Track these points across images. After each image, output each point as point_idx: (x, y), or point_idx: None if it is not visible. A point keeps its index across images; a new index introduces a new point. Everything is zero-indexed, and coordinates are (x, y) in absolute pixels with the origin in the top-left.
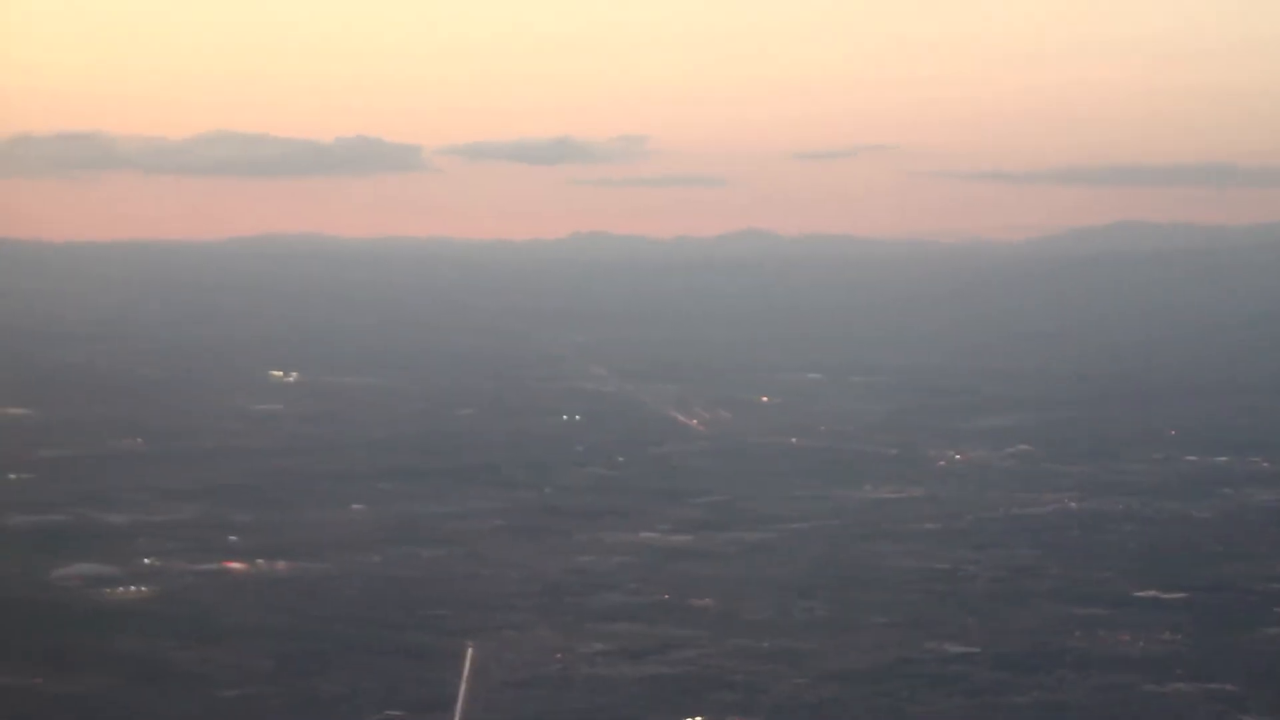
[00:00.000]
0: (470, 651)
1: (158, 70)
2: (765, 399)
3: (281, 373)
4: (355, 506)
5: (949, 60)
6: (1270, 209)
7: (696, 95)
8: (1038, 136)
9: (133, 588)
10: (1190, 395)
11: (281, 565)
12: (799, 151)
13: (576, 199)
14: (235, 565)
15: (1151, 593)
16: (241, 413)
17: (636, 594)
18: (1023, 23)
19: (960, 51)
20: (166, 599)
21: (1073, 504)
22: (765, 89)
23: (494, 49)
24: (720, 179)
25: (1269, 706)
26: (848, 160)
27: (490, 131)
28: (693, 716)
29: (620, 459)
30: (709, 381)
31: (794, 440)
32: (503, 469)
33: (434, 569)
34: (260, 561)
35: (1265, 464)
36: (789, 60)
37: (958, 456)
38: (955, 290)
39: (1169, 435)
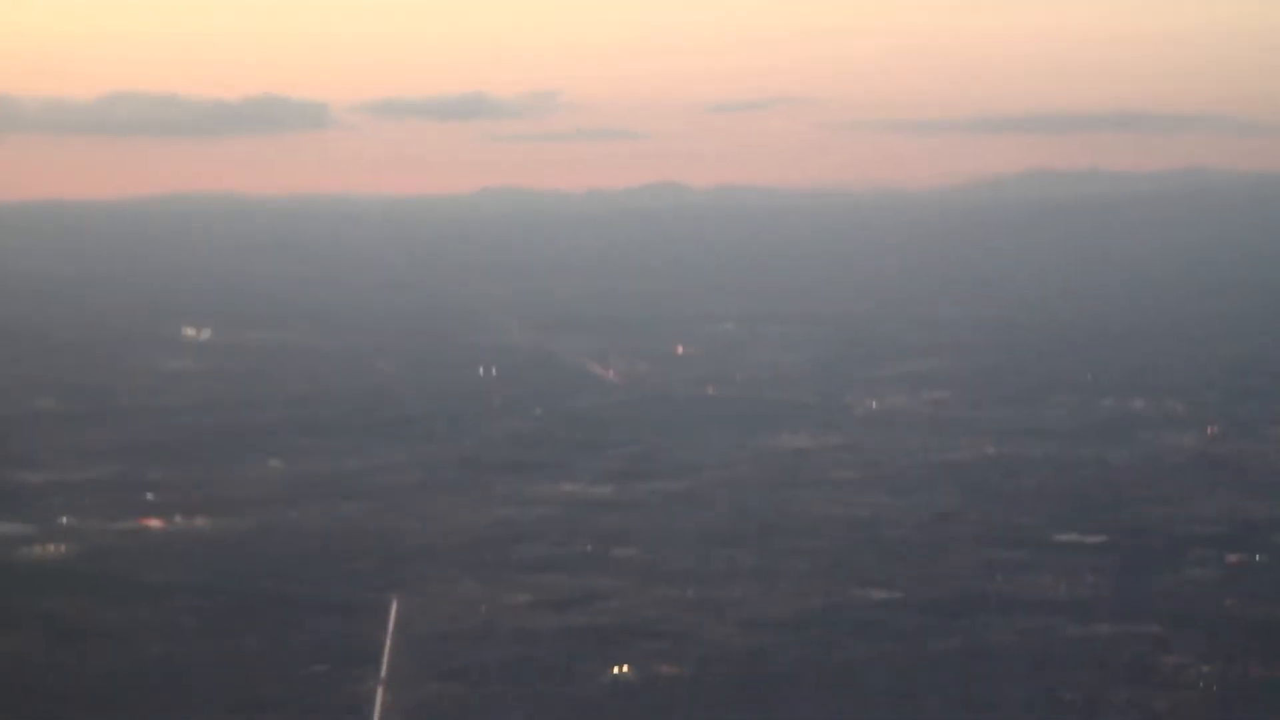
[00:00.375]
0: (395, 605)
1: (61, 31)
2: (681, 350)
3: (194, 330)
4: (273, 463)
5: (860, 10)
6: (1179, 155)
7: (608, 49)
8: (948, 86)
9: (51, 546)
10: (1105, 340)
11: (200, 522)
12: (711, 104)
13: (489, 154)
14: (154, 523)
15: (1072, 536)
16: (156, 370)
17: (559, 545)
18: None
19: (870, 1)
20: (86, 557)
21: (991, 449)
22: (676, 42)
23: (403, 4)
24: (632, 132)
25: (1191, 647)
26: (760, 112)
27: (401, 88)
28: (620, 666)
29: (538, 411)
30: (624, 333)
31: (711, 390)
32: (421, 423)
33: (355, 524)
34: (179, 519)
35: (1181, 408)
36: (700, 12)
37: (875, 404)
38: (868, 240)
39: (1085, 380)
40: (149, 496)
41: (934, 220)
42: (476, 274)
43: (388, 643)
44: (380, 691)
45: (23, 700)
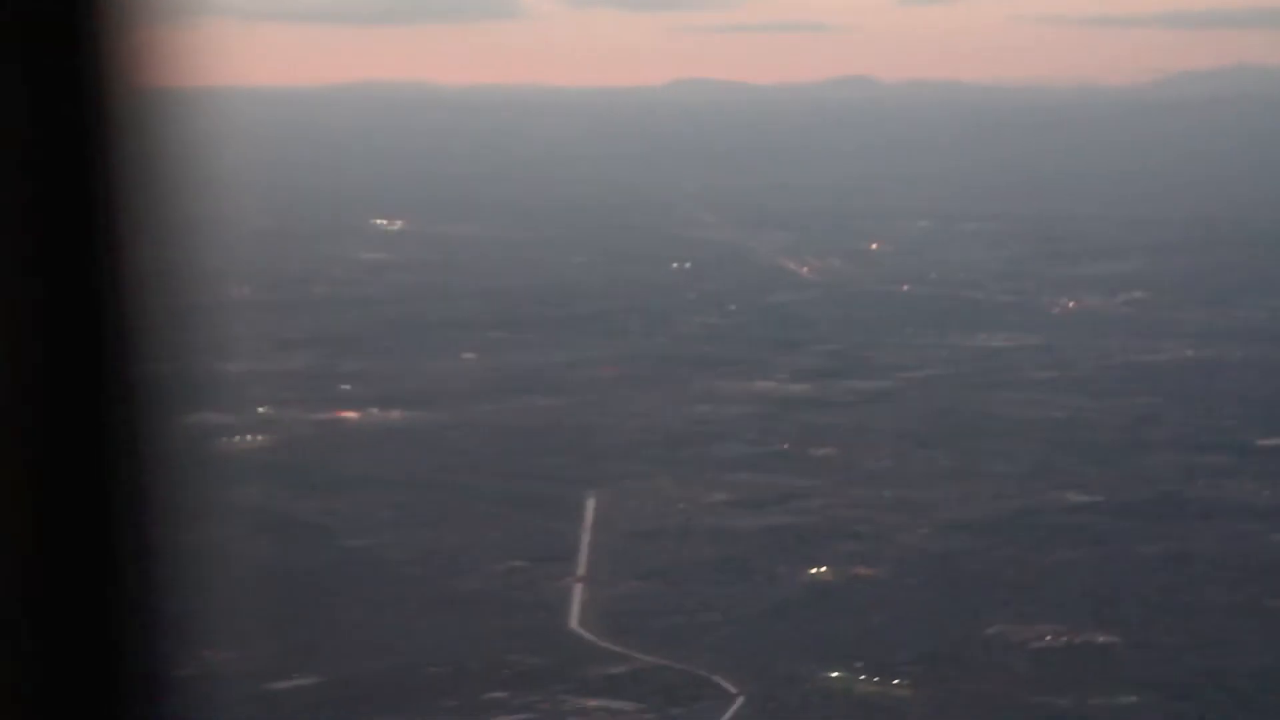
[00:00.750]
0: (591, 502)
1: None
2: (875, 246)
3: (386, 221)
4: (467, 355)
5: None
6: None
7: None
8: None
9: (249, 437)
10: None
11: (396, 414)
12: None
13: (677, 46)
14: (349, 414)
15: (1276, 441)
16: (349, 261)
17: (756, 444)
18: None
19: None
20: (283, 448)
21: (1190, 351)
22: None
23: None
24: (821, 25)
25: None
26: (952, 6)
27: None
28: (817, 566)
29: (733, 307)
30: (818, 228)
31: (906, 288)
32: (615, 318)
33: (550, 418)
34: (374, 410)
35: None
36: None
37: (1072, 304)
38: (1064, 135)
39: None
40: (344, 388)
41: (1133, 116)
42: (667, 166)
43: (585, 540)
44: (579, 588)
45: (221, 591)
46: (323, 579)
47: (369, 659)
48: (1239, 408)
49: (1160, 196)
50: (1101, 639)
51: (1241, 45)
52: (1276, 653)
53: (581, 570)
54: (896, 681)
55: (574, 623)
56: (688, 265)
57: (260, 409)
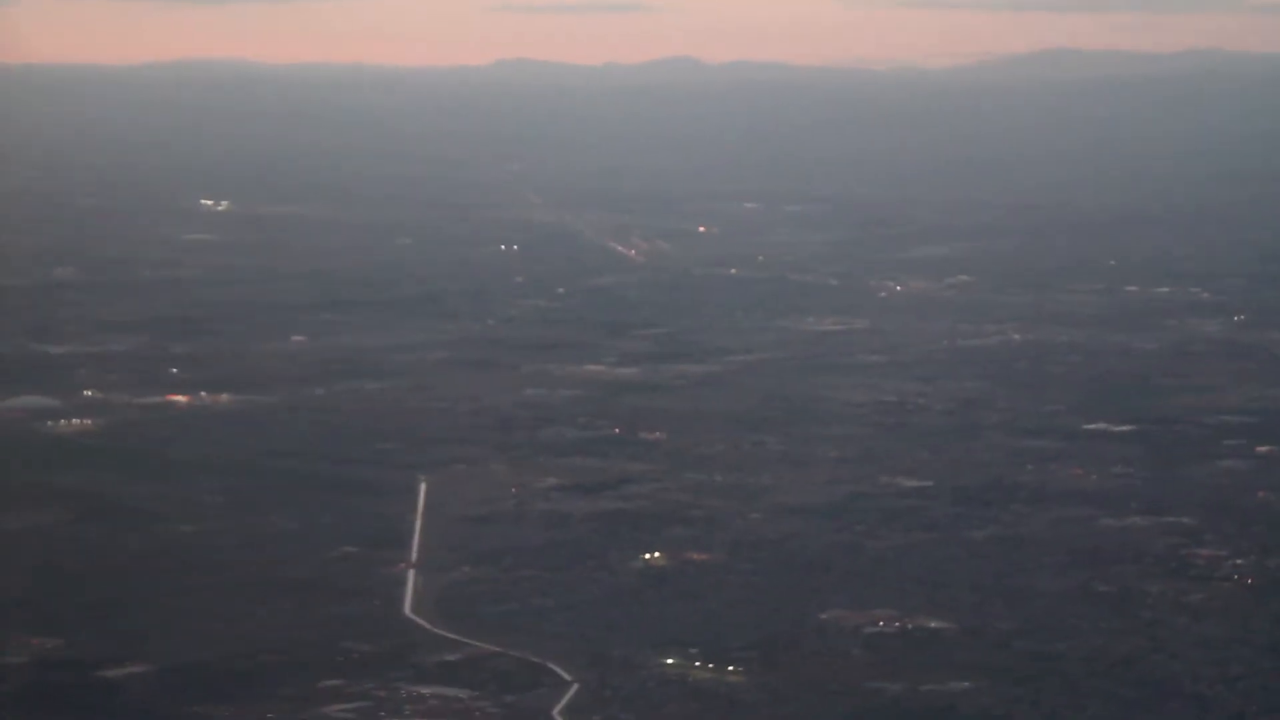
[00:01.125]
0: (423, 486)
1: None
2: (703, 229)
3: (212, 201)
4: (296, 338)
5: None
6: (1197, 35)
7: None
8: None
9: (76, 421)
10: (1127, 224)
11: (225, 398)
12: None
13: (501, 25)
14: (178, 398)
15: (1101, 425)
16: (175, 242)
17: (587, 428)
18: None
19: None
20: (111, 432)
21: (1016, 335)
22: None
23: None
24: (643, 5)
25: (1224, 540)
26: None
27: None
28: (651, 552)
29: (561, 290)
30: (645, 211)
31: (734, 271)
32: (444, 300)
33: (381, 402)
34: (204, 394)
35: (1206, 295)
36: None
37: (898, 287)
38: (887, 118)
39: (1108, 265)
40: (173, 371)
41: (953, 99)
42: (494, 147)
43: (418, 525)
44: (412, 574)
45: (48, 576)
46: (153, 565)
47: (203, 646)
48: (1064, 392)
49: (982, 180)
50: (934, 624)
51: (1056, 28)
52: (1106, 636)
53: (414, 556)
54: (731, 668)
55: (408, 609)
56: (516, 247)
57: (87, 392)
